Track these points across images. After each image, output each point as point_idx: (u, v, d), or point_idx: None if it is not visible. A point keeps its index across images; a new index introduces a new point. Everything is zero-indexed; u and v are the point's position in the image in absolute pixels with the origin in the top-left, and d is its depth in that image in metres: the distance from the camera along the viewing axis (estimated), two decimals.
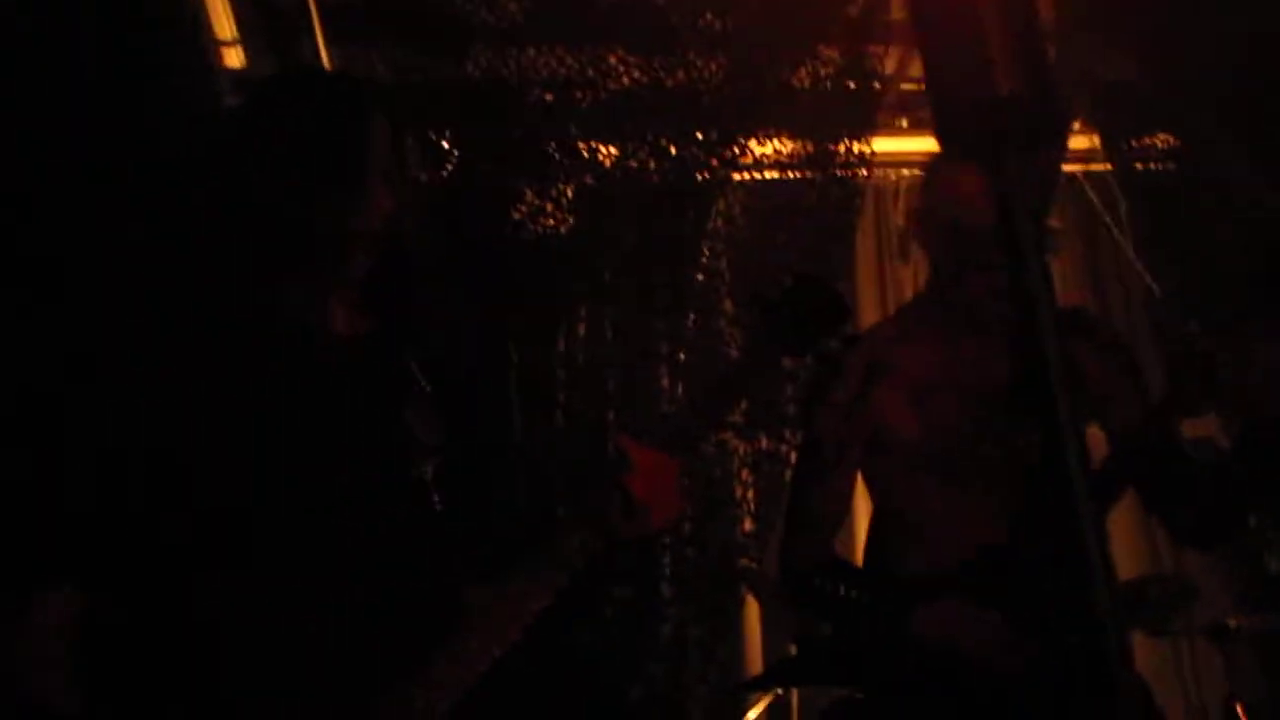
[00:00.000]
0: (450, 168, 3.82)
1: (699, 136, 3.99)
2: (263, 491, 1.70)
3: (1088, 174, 4.79)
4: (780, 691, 3.89)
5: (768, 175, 4.14)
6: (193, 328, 1.75)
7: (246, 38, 3.49)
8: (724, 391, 2.01)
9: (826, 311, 1.97)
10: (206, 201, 1.90)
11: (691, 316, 3.93)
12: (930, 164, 2.79)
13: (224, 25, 3.43)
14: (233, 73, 3.49)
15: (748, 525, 3.94)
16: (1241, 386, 2.28)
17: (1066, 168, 4.67)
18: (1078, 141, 4.64)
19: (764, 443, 3.89)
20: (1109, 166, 4.63)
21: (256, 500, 1.70)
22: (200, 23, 3.41)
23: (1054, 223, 4.84)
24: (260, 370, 1.74)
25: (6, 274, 2.60)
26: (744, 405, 3.93)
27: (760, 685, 3.69)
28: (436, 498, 1.79)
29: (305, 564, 1.71)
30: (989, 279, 2.47)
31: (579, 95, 3.90)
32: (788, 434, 3.82)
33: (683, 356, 3.90)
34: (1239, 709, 3.43)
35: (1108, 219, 4.74)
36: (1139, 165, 4.52)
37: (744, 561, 3.92)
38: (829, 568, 2.62)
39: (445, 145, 3.84)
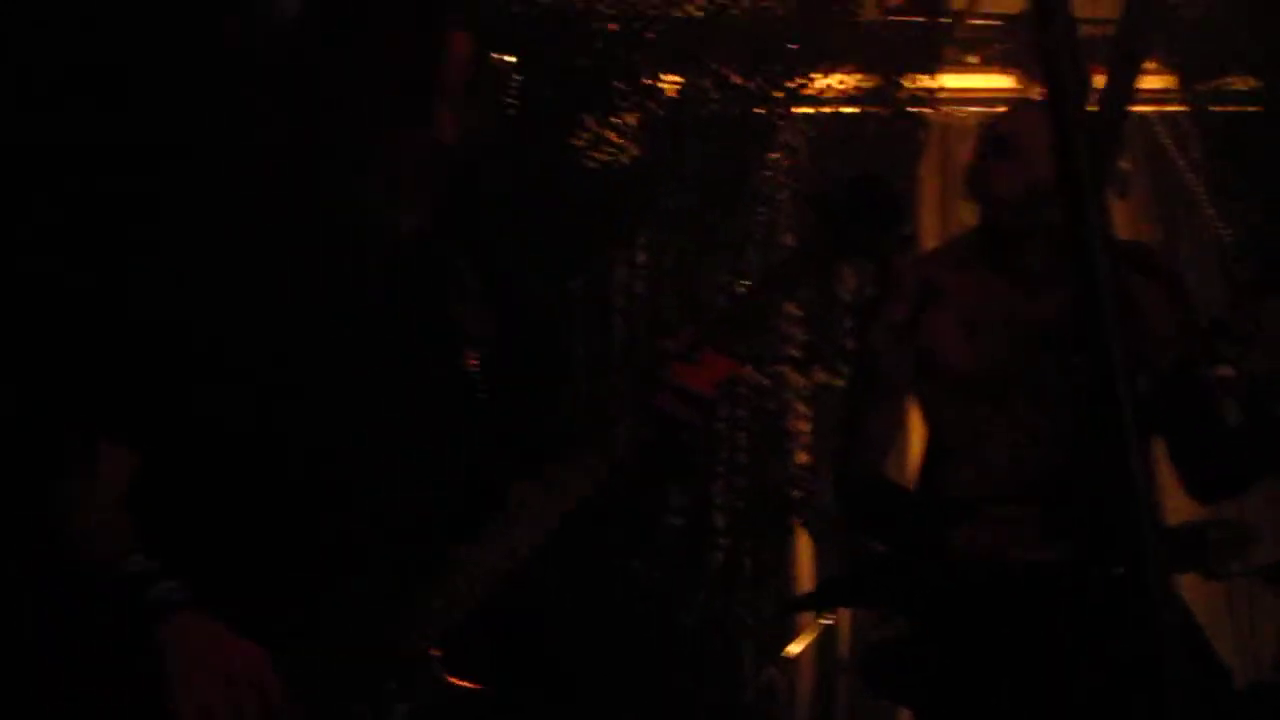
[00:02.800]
0: (515, 94, 3.83)
1: (763, 68, 3.97)
2: (315, 373, 1.74)
3: (1162, 115, 4.70)
4: (830, 620, 3.91)
5: (832, 109, 4.11)
6: (263, 215, 1.79)
7: None
8: (775, 283, 2.00)
9: (887, 210, 1.95)
10: (284, 101, 1.93)
11: (753, 248, 3.93)
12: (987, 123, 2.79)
13: None
14: None
15: (802, 458, 3.95)
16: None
17: (1140, 108, 4.58)
18: (1152, 81, 4.55)
19: (820, 376, 3.90)
20: (1185, 108, 4.55)
21: (308, 380, 1.74)
22: None
23: (1124, 164, 4.76)
24: (322, 257, 1.78)
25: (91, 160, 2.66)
26: (800, 339, 3.94)
27: (809, 604, 3.70)
28: (482, 389, 1.83)
29: (351, 447, 1.75)
30: (1041, 224, 2.47)
31: (644, 25, 3.89)
32: (843, 368, 3.82)
33: (742, 288, 3.90)
34: None
35: (1180, 162, 4.65)
36: (1215, 108, 4.43)
37: (796, 494, 3.93)
38: (880, 488, 2.64)
39: (511, 72, 3.85)
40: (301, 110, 1.85)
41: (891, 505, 2.61)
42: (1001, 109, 4.67)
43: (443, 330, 1.85)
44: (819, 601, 3.49)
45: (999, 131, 2.65)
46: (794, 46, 4.02)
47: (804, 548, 4.26)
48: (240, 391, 1.72)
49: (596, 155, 3.90)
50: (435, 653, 1.74)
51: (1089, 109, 4.07)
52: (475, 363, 1.85)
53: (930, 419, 2.70)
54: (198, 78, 2.71)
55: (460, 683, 1.74)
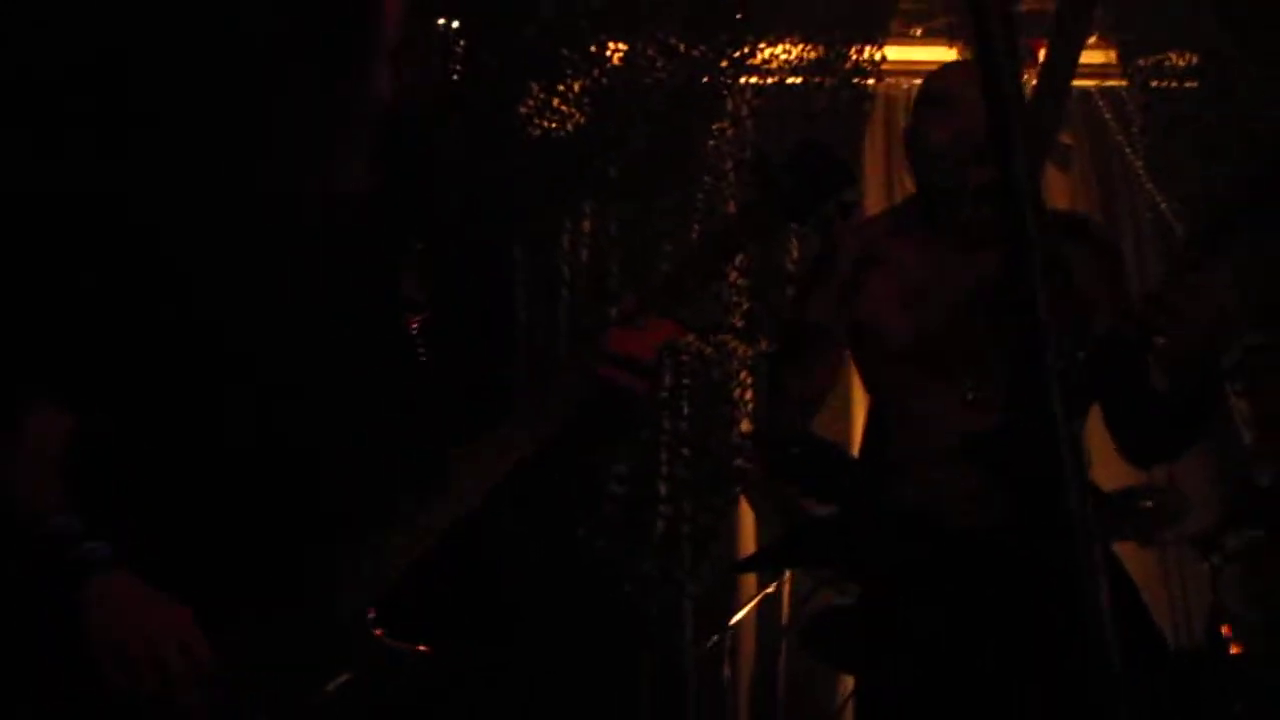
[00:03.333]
0: (459, 58, 3.81)
1: (709, 37, 3.96)
2: (253, 332, 1.74)
3: (1103, 89, 4.75)
4: (770, 589, 3.95)
5: (777, 79, 4.12)
6: (200, 171, 1.77)
7: None
8: (717, 247, 2.01)
9: (829, 175, 1.96)
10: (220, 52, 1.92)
11: (697, 218, 3.94)
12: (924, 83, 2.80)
13: None
14: None
15: (745, 426, 3.98)
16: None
17: (1081, 82, 4.63)
18: (1093, 56, 4.60)
19: (763, 345, 3.92)
20: (1124, 82, 4.60)
21: (246, 339, 1.74)
22: None
23: (1065, 138, 4.81)
24: (261, 214, 1.77)
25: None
26: (745, 307, 3.96)
27: (750, 567, 3.74)
28: (421, 351, 1.83)
29: (289, 407, 1.75)
30: (975, 189, 2.49)
31: None
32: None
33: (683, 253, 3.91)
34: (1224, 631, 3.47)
35: (1120, 136, 4.71)
36: (1154, 82, 4.48)
37: (739, 462, 3.96)
38: (808, 444, 2.66)
39: (453, 34, 3.82)
40: (238, 60, 1.84)
41: (820, 462, 2.63)
42: None
43: (383, 291, 1.85)
44: (760, 563, 3.52)
45: (931, 86, 2.67)
46: (740, 16, 4.02)
47: (746, 516, 4.30)
48: (178, 351, 1.71)
49: (542, 123, 3.89)
50: (371, 613, 1.74)
51: (1028, 80, 4.12)
52: (415, 325, 1.85)
53: (869, 382, 2.73)
54: (132, 29, 2.67)
55: (398, 644, 1.74)
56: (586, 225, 3.89)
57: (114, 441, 1.71)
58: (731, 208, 3.93)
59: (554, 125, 3.88)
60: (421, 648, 1.75)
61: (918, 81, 4.73)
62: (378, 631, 1.73)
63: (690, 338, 3.82)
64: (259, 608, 1.70)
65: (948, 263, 2.59)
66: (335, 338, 1.79)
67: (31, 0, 2.85)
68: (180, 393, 1.72)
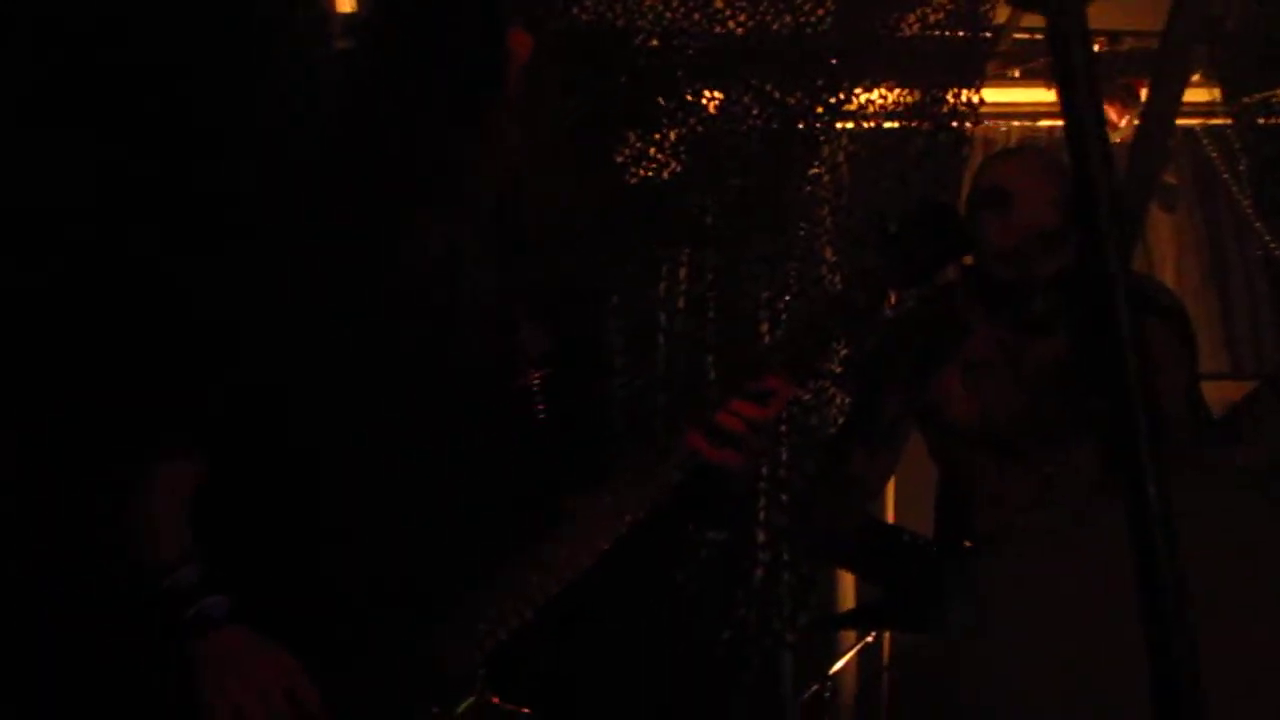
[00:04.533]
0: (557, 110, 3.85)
1: (804, 83, 3.96)
2: (377, 391, 1.76)
3: (1207, 128, 4.66)
4: (870, 638, 3.89)
5: (873, 124, 4.10)
6: (327, 230, 1.79)
7: None
8: (835, 311, 1.96)
9: (952, 239, 1.92)
10: (335, 141, 1.94)
11: (793, 265, 3.92)
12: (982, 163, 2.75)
13: None
14: (345, 17, 3.55)
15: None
16: None
17: (1185, 121, 4.55)
18: (1198, 94, 4.52)
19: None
20: (1230, 121, 4.51)
21: (371, 399, 1.76)
22: None
23: (1170, 178, 4.73)
24: (384, 272, 1.79)
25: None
26: (843, 353, 3.93)
27: (844, 623, 3.69)
28: (541, 408, 1.83)
29: (411, 465, 1.76)
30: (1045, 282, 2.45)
31: (685, 41, 3.90)
32: None
33: (782, 304, 3.90)
34: None
35: (1226, 174, 4.62)
36: (1261, 120, 4.39)
37: None
38: (868, 530, 2.61)
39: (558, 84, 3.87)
40: (364, 125, 1.86)
41: (889, 548, 2.57)
42: (1046, 122, 4.67)
43: (505, 347, 1.85)
44: (852, 622, 3.47)
45: (981, 184, 2.61)
46: (834, 62, 4.01)
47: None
48: (305, 409, 1.74)
49: (638, 171, 3.91)
50: (482, 672, 1.74)
51: (1131, 120, 4.04)
52: (537, 380, 1.84)
53: (940, 463, 2.68)
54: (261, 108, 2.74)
55: (506, 704, 1.74)
56: (683, 273, 3.89)
57: (240, 493, 1.74)
58: (828, 254, 3.91)
59: (650, 174, 3.90)
60: (525, 710, 1.75)
61: (1016, 124, 4.72)
62: (490, 695, 1.74)
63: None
64: (369, 660, 1.72)
65: (1011, 343, 2.54)
66: (458, 395, 1.80)
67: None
68: (304, 450, 1.75)
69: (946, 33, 4.07)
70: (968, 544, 2.53)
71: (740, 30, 3.89)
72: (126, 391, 1.88)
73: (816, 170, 3.99)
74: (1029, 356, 2.53)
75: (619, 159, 3.89)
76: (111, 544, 1.77)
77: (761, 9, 3.88)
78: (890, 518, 4.16)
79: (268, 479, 1.74)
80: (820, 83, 3.97)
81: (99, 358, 2.34)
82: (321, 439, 1.73)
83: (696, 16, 3.89)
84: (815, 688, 3.86)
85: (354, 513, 1.73)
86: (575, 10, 3.86)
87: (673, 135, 3.95)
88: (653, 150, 3.92)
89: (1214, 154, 4.68)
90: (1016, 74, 4.57)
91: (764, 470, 3.89)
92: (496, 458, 1.82)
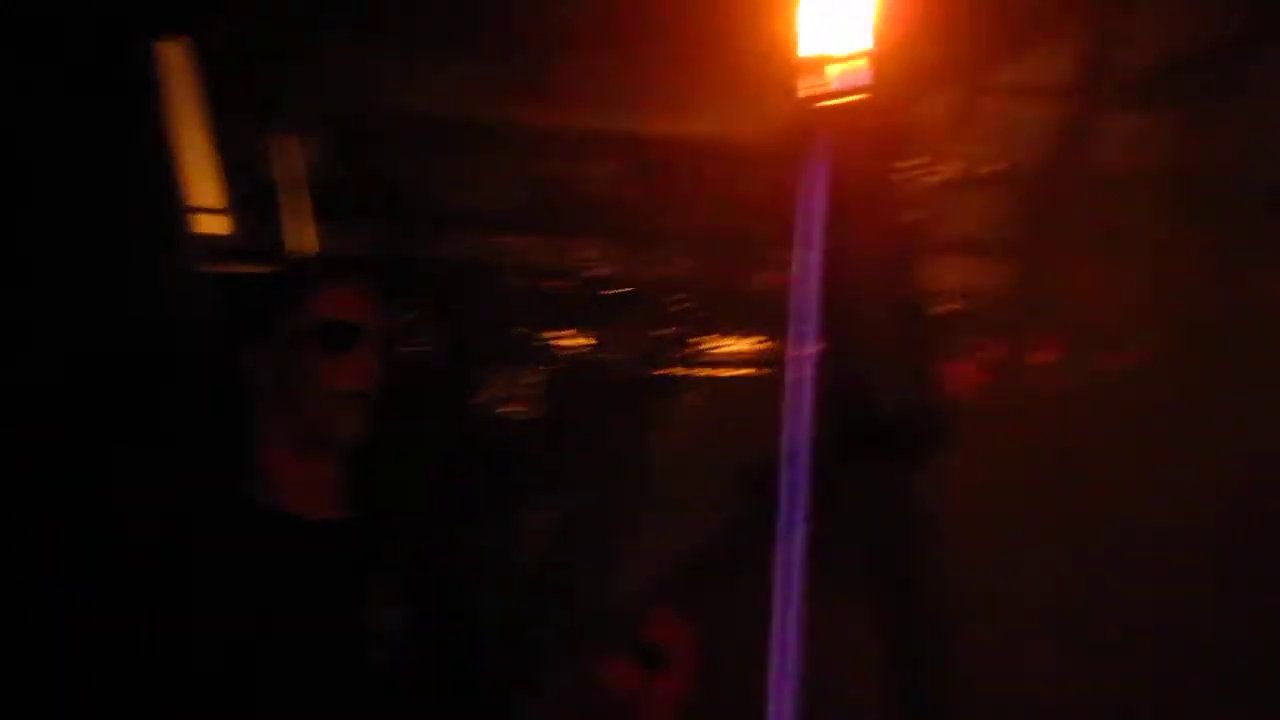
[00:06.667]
0: (414, 346, 3.83)
1: (664, 331, 4.05)
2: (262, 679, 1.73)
3: None
4: None
5: (731, 372, 4.21)
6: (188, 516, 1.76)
7: (233, 207, 3.49)
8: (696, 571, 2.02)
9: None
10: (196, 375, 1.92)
11: (654, 506, 3.92)
12: None
13: (211, 193, 3.43)
14: (214, 239, 3.47)
15: None
16: None
17: None
18: None
19: None
20: None
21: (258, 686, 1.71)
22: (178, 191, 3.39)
23: None
24: (249, 558, 1.75)
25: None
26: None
27: None
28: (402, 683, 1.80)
29: None
30: None
31: (552, 282, 3.96)
32: None
33: (642, 545, 3.88)
34: None
35: None
36: None
37: None
38: None
39: (410, 323, 3.86)
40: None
41: None
42: None
43: (356, 627, 1.82)
44: None
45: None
46: (691, 308, 4.13)
47: None
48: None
49: (496, 410, 3.89)
50: None
51: None
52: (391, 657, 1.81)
53: None
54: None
55: None
56: (548, 518, 3.85)
57: None
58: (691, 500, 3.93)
59: (510, 411, 3.88)
60: None
61: None
62: None
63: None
64: None
65: None
66: (306, 669, 1.75)
67: None
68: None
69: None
70: None
71: (608, 276, 3.98)
72: None
73: (678, 413, 4.05)
74: None
75: (478, 398, 3.86)
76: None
77: (631, 258, 3.99)
78: None
79: None
80: (680, 329, 4.07)
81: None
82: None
83: (564, 261, 3.96)
84: None
85: None
86: (444, 246, 3.88)
87: (533, 375, 3.96)
88: (513, 390, 3.91)
89: None
90: None
91: None
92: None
